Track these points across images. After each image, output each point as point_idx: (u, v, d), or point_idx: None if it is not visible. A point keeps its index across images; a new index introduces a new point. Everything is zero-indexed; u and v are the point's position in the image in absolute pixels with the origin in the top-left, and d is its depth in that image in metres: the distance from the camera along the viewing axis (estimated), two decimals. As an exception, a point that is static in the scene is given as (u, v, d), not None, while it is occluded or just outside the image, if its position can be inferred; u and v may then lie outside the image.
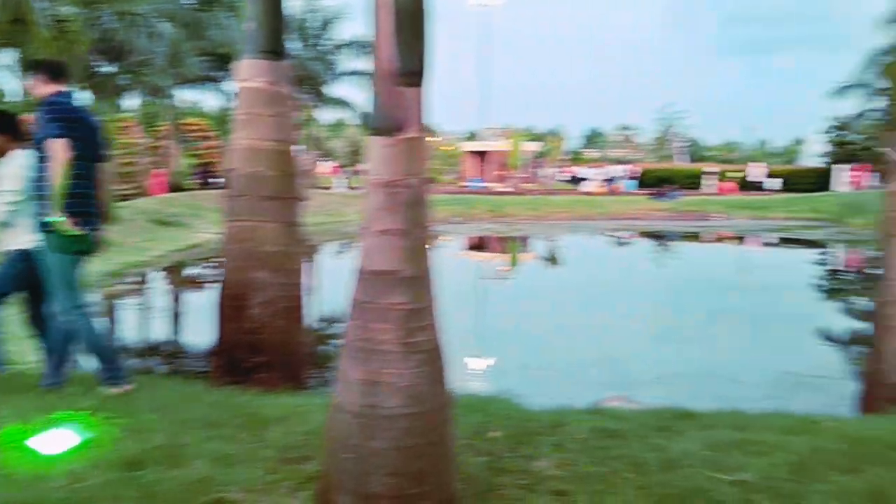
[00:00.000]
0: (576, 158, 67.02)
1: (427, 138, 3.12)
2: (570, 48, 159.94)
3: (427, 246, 3.14)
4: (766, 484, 3.28)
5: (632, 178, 45.16)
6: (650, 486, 3.29)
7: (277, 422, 4.18)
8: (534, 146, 50.30)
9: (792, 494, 3.22)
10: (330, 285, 13.43)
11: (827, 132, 50.10)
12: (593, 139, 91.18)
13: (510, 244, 24.36)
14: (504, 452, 3.72)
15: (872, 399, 5.14)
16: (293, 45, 31.25)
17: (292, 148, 6.41)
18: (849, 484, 3.30)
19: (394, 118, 3.04)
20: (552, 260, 20.90)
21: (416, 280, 3.08)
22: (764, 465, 3.46)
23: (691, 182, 45.89)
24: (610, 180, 44.44)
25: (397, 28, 2.98)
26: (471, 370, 8.29)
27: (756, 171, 45.31)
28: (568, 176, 50.31)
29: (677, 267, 19.68)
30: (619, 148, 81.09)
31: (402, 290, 3.04)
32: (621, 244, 25.26)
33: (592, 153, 78.10)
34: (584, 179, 45.24)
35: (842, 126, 47.05)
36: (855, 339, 9.89)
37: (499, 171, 44.37)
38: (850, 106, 40.63)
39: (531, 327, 10.91)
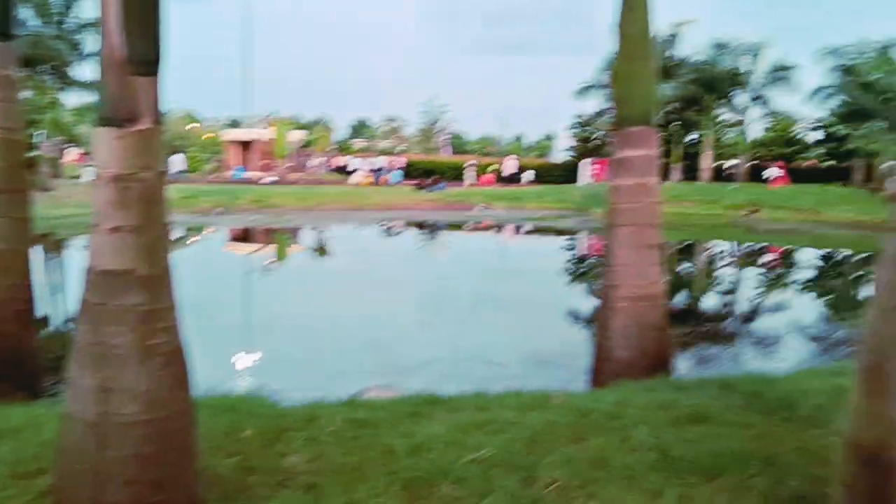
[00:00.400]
0: (343, 149, 67.21)
1: (161, 130, 2.98)
2: (336, 37, 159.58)
3: (164, 243, 3.00)
4: (504, 459, 3.54)
5: (398, 169, 46.21)
6: (399, 471, 3.42)
7: (9, 434, 3.83)
8: (300, 135, 49.65)
9: (527, 466, 3.49)
10: (73, 284, 12.38)
11: (572, 129, 54.83)
12: (360, 130, 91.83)
13: (277, 236, 23.92)
14: (255, 451, 3.67)
15: (601, 373, 5.72)
16: (33, 22, 28.30)
17: (24, 135, 5.82)
18: (575, 453, 3.64)
19: (124, 109, 2.87)
20: (321, 251, 20.83)
21: (153, 279, 2.94)
22: (502, 442, 3.72)
23: (455, 174, 47.96)
24: (378, 171, 45.15)
25: (125, 13, 2.81)
26: (233, 368, 8.05)
27: (510, 165, 48.31)
28: (336, 166, 50.38)
29: (443, 255, 20.46)
30: (385, 139, 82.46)
31: (138, 290, 2.89)
32: (390, 234, 25.76)
33: (360, 143, 78.71)
34: (353, 170, 45.56)
35: (584, 123, 51.70)
36: (592, 319, 10.90)
37: (264, 161, 43.33)
38: (591, 105, 44.79)
39: (298, 320, 10.81)
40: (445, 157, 61.57)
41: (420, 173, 44.12)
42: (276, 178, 39.36)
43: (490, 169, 48.19)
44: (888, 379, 2.74)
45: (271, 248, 21.72)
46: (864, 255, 20.75)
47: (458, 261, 19.46)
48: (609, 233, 5.88)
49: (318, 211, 29.71)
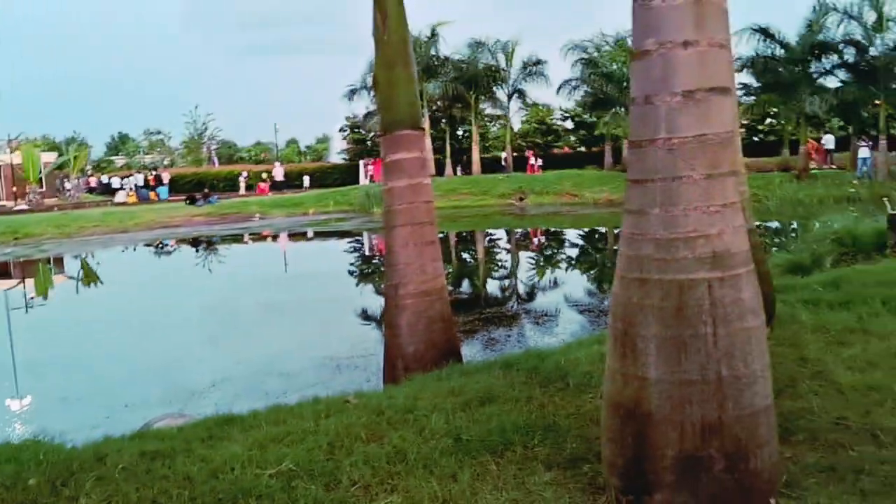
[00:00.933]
0: (102, 167, 62.70)
1: None
2: (84, 48, 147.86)
3: None
4: (305, 467, 3.57)
5: (163, 184, 44.00)
6: (198, 497, 3.34)
7: None
8: (52, 157, 45.64)
9: (329, 471, 3.56)
10: None
11: (344, 131, 55.28)
12: (120, 145, 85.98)
13: (37, 268, 21.85)
14: (42, 499, 3.41)
15: (394, 370, 5.90)
16: None
17: None
18: (374, 451, 3.76)
19: None
20: (88, 279, 19.32)
21: None
22: (302, 451, 3.75)
23: (228, 184, 46.55)
24: (144, 188, 42.67)
25: None
26: (7, 414, 7.34)
27: (279, 171, 47.67)
28: (97, 186, 46.95)
29: (225, 270, 19.78)
30: (149, 153, 77.89)
31: None
32: (163, 253, 24.45)
33: (121, 160, 73.77)
34: (117, 189, 42.71)
35: (355, 125, 52.26)
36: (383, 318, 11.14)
37: (13, 188, 39.32)
38: (361, 106, 45.43)
39: (72, 355, 10.04)
40: (217, 167, 59.54)
41: (190, 187, 42.33)
42: (25, 206, 35.89)
43: (266, 176, 47.30)
44: (634, 342, 3.13)
45: (30, 283, 19.81)
46: (617, 230, 22.84)
47: (239, 273, 18.95)
48: (388, 233, 6.07)
49: (80, 237, 27.51)
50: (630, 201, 3.21)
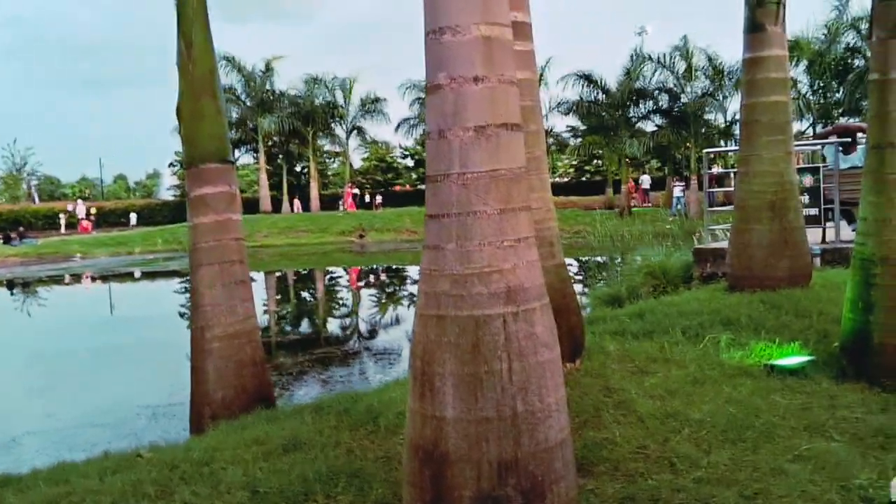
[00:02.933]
0: None
1: None
2: None
3: None
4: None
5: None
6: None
7: None
8: None
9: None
10: None
11: (172, 165, 53.37)
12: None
13: None
14: None
15: (200, 418, 5.52)
16: None
17: None
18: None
19: None
20: None
21: None
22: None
23: (48, 222, 43.41)
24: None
25: None
26: None
27: (81, 208, 44.61)
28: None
29: (44, 313, 18.28)
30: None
31: None
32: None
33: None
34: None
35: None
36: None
37: None
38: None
39: None
40: (36, 204, 55.45)
41: (6, 224, 39.06)
42: None
43: (92, 213, 44.47)
44: (433, 381, 3.05)
45: None
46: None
47: (58, 316, 17.59)
48: (193, 273, 5.72)
49: None
50: (428, 237, 3.15)
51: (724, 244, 9.62)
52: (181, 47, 5.59)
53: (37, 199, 62.11)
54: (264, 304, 16.91)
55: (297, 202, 42.61)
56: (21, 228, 36.06)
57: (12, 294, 22.42)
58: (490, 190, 3.06)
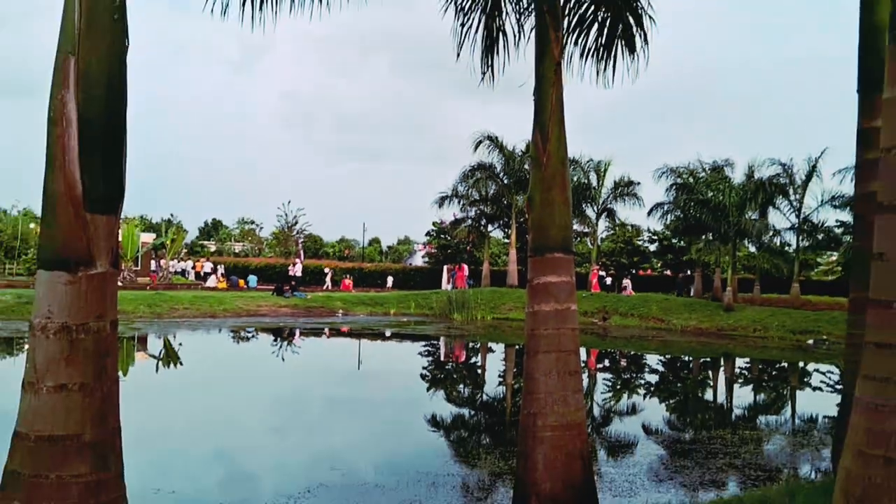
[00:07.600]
0: (195, 251, 65.03)
1: (117, 274, 2.65)
2: (183, 133, 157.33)
3: (115, 402, 2.62)
4: None
5: (252, 273, 45.18)
6: None
7: None
8: (150, 238, 47.55)
9: None
10: None
11: (428, 234, 56.37)
12: (213, 231, 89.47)
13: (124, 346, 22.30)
14: None
15: (525, 505, 5.52)
16: None
17: None
18: None
19: (77, 250, 2.53)
20: (170, 361, 19.52)
21: (101, 445, 2.53)
22: None
23: (313, 278, 47.49)
24: (234, 275, 43.90)
25: (86, 145, 2.51)
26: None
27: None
28: (186, 269, 48.62)
29: (306, 363, 19.84)
30: (239, 241, 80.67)
31: (82, 458, 2.47)
32: (245, 340, 24.69)
33: (212, 245, 76.54)
34: (209, 273, 44.13)
35: (441, 230, 53.17)
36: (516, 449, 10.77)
37: (111, 264, 40.90)
38: (449, 213, 46.42)
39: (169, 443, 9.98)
40: (305, 260, 61.06)
41: (278, 277, 43.35)
42: (119, 284, 37.15)
43: (350, 273, 48.14)
44: None
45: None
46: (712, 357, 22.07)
47: (321, 368, 19.02)
48: (529, 359, 5.82)
49: (170, 318, 28.19)
50: (871, 365, 2.90)
51: None
52: (536, 139, 5.83)
53: (302, 256, 68.24)
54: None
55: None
56: (293, 283, 39.67)
57: (289, 343, 24.55)
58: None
